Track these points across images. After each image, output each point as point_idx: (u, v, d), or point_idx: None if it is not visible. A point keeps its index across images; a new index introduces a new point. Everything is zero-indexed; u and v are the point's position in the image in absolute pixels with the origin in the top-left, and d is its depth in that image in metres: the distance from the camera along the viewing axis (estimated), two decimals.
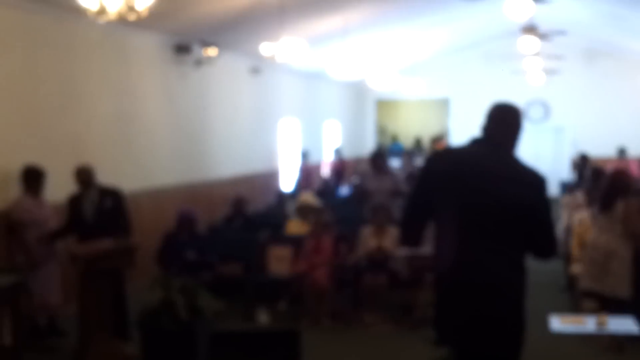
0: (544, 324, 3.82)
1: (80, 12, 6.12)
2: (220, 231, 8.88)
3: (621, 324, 3.84)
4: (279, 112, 14.53)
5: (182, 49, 10.14)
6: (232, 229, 8.86)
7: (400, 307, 7.50)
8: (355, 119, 20.39)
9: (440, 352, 3.64)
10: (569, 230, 8.40)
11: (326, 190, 13.31)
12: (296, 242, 7.96)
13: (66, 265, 6.36)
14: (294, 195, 11.88)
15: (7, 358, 5.24)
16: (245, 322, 7.28)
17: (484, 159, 3.42)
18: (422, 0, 12.63)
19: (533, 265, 3.57)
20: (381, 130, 21.07)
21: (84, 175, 6.65)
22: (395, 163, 16.10)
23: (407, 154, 15.82)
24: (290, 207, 10.14)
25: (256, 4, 9.28)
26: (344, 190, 13.99)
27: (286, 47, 9.75)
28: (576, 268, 7.21)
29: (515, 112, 3.53)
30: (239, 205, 9.17)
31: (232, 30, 10.41)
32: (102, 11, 5.85)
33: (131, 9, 5.87)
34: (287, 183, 14.45)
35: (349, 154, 18.50)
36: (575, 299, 7.41)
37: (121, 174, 8.38)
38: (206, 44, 10.42)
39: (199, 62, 10.56)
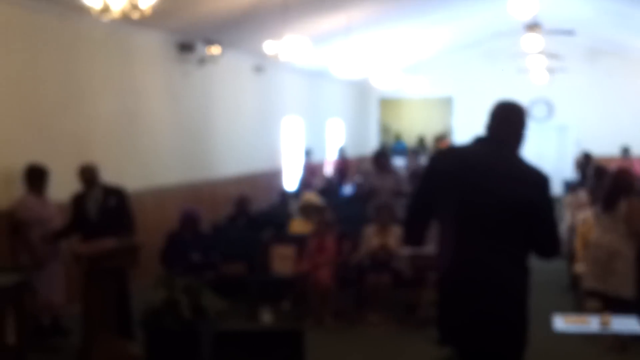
0: (547, 323, 3.80)
1: (83, 10, 6.12)
2: (223, 230, 8.87)
3: (625, 324, 3.82)
4: (282, 110, 14.53)
5: (185, 48, 10.14)
6: (236, 228, 8.85)
7: (403, 306, 7.49)
8: (359, 117, 20.37)
9: (443, 352, 3.64)
10: (572, 229, 8.38)
11: (329, 189, 13.30)
12: (299, 241, 7.95)
13: (70, 264, 6.37)
14: (297, 194, 11.87)
15: (11, 357, 5.23)
16: (249, 321, 7.28)
17: (487, 158, 3.41)
18: None
19: (536, 264, 3.56)
20: (384, 129, 21.06)
21: (88, 174, 6.65)
22: (398, 162, 16.08)
23: (413, 153, 15.83)
24: (294, 206, 10.14)
25: (259, 2, 9.28)
26: (347, 189, 13.98)
27: (289, 46, 9.75)
28: (579, 267, 7.19)
29: (519, 110, 3.52)
30: (242, 205, 9.16)
31: (235, 29, 10.41)
32: (105, 9, 5.85)
33: (135, 7, 5.88)
34: (291, 182, 14.45)
35: (352, 152, 18.49)
36: (579, 299, 7.39)
37: (125, 173, 8.39)
38: (210, 42, 10.42)
39: (203, 61, 10.56)
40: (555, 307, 4.86)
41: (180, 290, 5.64)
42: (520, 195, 3.30)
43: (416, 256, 7.16)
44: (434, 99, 20.34)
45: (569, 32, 13.28)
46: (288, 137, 14.89)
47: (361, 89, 19.72)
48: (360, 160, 18.57)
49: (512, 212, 3.29)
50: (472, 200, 3.33)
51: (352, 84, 18.47)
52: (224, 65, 11.14)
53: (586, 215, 7.59)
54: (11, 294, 5.28)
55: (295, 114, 15.30)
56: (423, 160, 14.07)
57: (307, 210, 8.84)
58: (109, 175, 7.07)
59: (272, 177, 13.91)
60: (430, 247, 5.07)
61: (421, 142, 19.85)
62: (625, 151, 14.93)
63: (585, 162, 12.21)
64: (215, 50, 10.51)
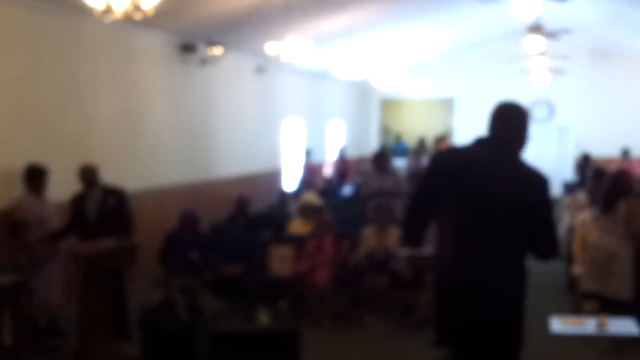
0: (544, 325, 3.81)
1: (86, 11, 6.12)
2: (222, 231, 8.87)
3: (622, 326, 3.82)
4: (283, 111, 14.54)
5: (187, 48, 10.16)
6: (235, 229, 8.86)
7: (401, 307, 7.49)
8: (360, 118, 20.38)
9: (440, 353, 3.63)
10: (571, 230, 8.37)
11: (329, 189, 13.30)
12: (298, 242, 7.95)
13: (68, 264, 6.37)
14: (296, 194, 11.87)
15: (7, 358, 5.23)
16: (246, 322, 7.26)
17: (486, 159, 3.41)
18: None
19: (534, 266, 3.56)
20: (385, 130, 21.05)
21: (88, 174, 6.65)
22: (399, 163, 16.08)
23: (414, 153, 15.85)
24: (293, 207, 10.14)
25: (261, 3, 9.28)
26: (347, 189, 13.98)
27: (291, 47, 9.75)
28: (577, 269, 7.18)
29: (520, 112, 3.51)
30: (241, 205, 9.17)
31: (237, 30, 10.42)
32: (108, 10, 5.85)
33: (137, 8, 5.88)
34: (290, 182, 14.45)
35: (352, 153, 18.50)
36: (576, 300, 7.38)
37: (125, 173, 8.40)
38: (211, 43, 10.44)
39: (204, 62, 10.57)
40: (553, 309, 4.88)
41: (177, 290, 5.64)
42: (520, 197, 3.30)
43: (414, 257, 7.16)
44: (435, 100, 20.33)
45: (565, 31, 13.28)
46: (289, 138, 14.89)
47: (362, 90, 19.73)
48: (361, 161, 18.58)
49: (511, 214, 3.29)
50: (471, 201, 3.32)
51: (353, 84, 18.47)
52: (226, 66, 11.15)
53: (585, 216, 7.58)
54: (8, 294, 5.27)
55: (297, 115, 15.30)
56: (424, 160, 14.08)
57: (306, 211, 8.85)
58: (109, 176, 7.08)
59: (272, 177, 13.92)
60: (428, 248, 5.07)
61: (422, 143, 19.85)
62: (626, 153, 14.93)
63: (585, 164, 12.19)
64: (217, 51, 10.53)
